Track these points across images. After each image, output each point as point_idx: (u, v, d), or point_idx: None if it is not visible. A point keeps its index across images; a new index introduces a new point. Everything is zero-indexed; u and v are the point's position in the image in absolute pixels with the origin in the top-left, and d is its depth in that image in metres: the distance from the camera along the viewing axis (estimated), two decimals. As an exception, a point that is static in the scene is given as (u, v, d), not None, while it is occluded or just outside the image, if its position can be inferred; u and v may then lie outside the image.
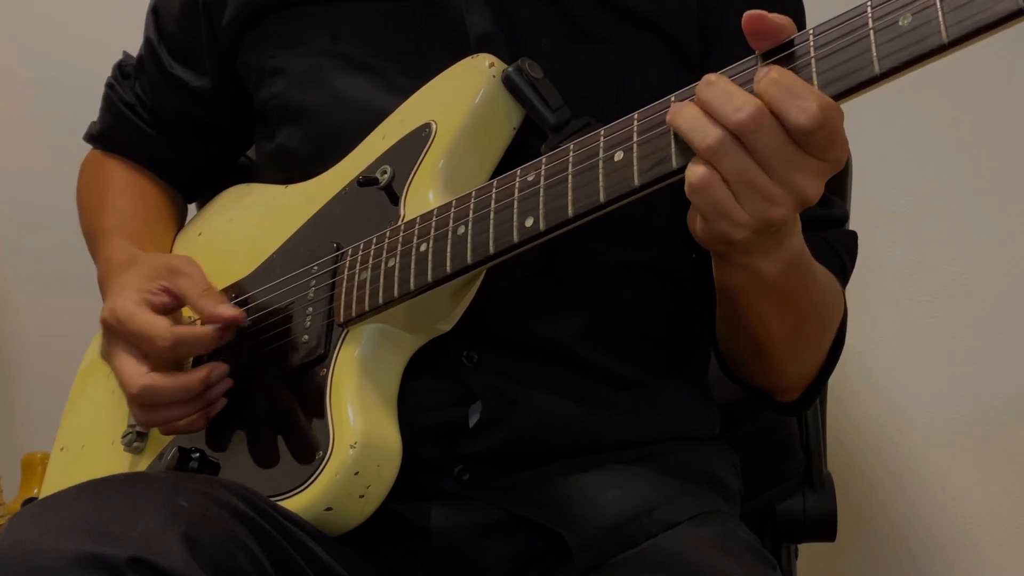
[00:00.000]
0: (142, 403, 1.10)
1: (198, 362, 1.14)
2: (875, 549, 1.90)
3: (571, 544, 1.04)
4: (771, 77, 0.84)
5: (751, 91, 0.85)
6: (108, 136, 1.40)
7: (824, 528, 1.49)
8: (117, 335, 1.11)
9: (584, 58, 1.12)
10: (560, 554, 1.05)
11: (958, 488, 1.87)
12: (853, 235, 1.19)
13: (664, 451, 1.13)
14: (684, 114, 0.87)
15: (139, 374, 1.09)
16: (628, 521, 1.06)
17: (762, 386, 1.15)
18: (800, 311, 1.04)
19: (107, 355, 1.13)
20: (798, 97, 0.82)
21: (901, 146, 1.85)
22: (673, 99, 0.90)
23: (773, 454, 1.48)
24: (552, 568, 1.06)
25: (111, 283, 1.18)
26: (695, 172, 0.86)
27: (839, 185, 1.41)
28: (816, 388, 1.14)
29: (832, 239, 1.15)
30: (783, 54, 0.85)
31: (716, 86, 0.86)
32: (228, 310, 1.10)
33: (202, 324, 1.11)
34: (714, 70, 0.88)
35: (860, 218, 1.49)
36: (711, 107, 0.86)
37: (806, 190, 0.86)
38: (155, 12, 1.34)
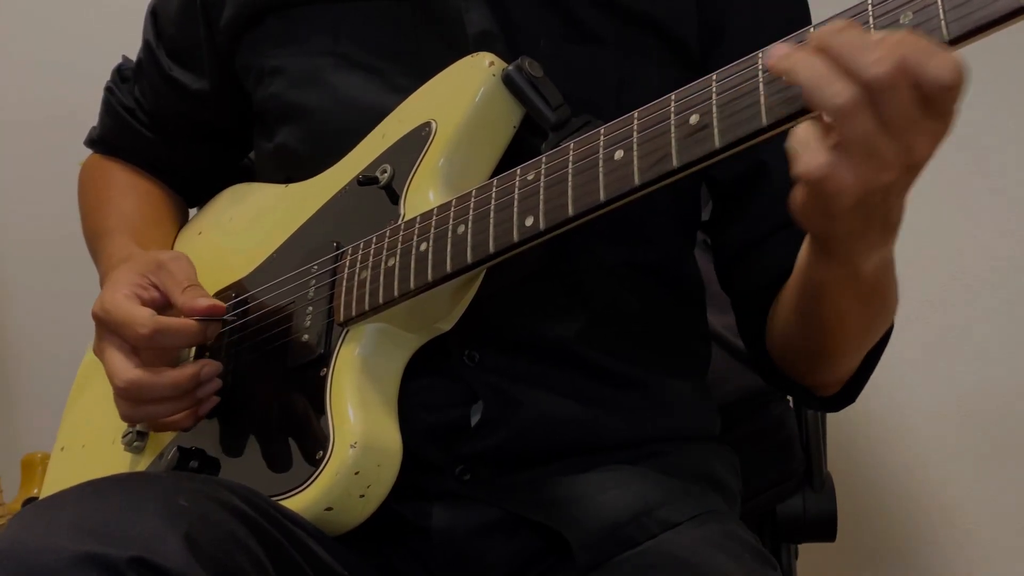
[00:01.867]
0: (128, 397, 1.09)
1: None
2: (875, 549, 1.90)
3: (571, 544, 1.04)
4: (899, 36, 0.75)
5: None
6: (108, 140, 1.40)
7: (824, 528, 1.49)
8: (105, 327, 1.11)
9: (584, 59, 1.12)
10: (560, 554, 1.05)
11: (958, 488, 1.87)
12: None
13: (664, 451, 1.13)
14: (809, 64, 0.77)
15: (127, 368, 1.08)
16: (628, 521, 1.06)
17: (807, 383, 1.11)
18: (879, 308, 1.00)
19: (98, 350, 1.12)
20: (935, 55, 0.74)
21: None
22: (673, 97, 0.89)
23: (773, 454, 1.47)
24: (552, 568, 1.06)
25: (107, 279, 1.18)
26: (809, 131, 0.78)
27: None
28: (862, 379, 1.09)
29: None
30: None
31: (850, 33, 0.76)
32: (204, 301, 1.09)
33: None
34: (714, 70, 0.87)
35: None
36: (844, 58, 0.75)
37: (921, 154, 0.78)
38: (154, 14, 1.34)
